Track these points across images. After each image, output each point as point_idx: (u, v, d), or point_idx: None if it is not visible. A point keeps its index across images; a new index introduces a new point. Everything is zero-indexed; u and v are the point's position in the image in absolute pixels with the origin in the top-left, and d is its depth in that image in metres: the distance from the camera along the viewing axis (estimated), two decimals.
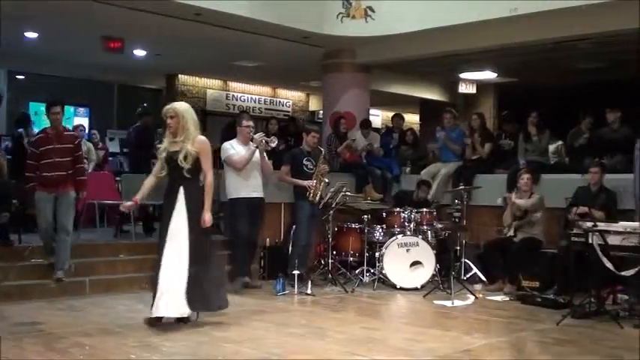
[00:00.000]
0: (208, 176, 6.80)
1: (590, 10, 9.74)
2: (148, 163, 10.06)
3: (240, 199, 9.08)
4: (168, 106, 6.90)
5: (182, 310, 6.64)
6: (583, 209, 8.57)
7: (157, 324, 6.70)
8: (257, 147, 8.94)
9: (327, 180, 9.43)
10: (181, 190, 6.75)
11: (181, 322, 6.75)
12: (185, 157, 6.68)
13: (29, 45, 12.87)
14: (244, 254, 9.23)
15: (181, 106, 6.95)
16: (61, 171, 8.18)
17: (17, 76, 14.67)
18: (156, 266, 6.74)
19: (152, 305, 6.69)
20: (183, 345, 6.09)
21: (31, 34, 12.27)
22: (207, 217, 6.72)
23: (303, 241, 9.38)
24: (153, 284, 6.76)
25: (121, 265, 9.29)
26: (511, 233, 9.40)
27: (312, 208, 9.37)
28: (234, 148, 9.06)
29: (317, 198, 9.32)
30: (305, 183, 9.31)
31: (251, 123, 9.27)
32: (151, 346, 5.97)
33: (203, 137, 6.88)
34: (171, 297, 6.58)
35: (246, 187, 9.08)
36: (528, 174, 9.54)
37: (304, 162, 9.47)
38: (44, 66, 13.73)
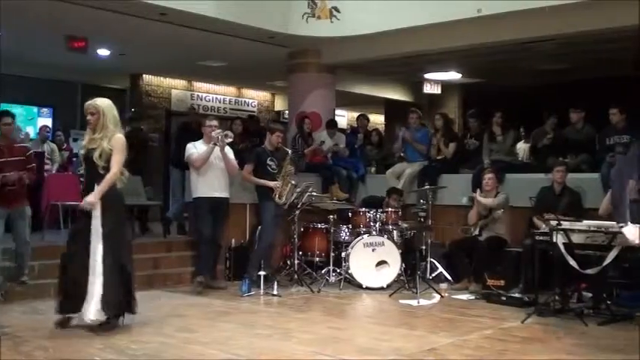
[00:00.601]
0: (112, 170, 6.62)
1: (555, 12, 9.83)
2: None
3: (201, 198, 9.09)
4: (89, 102, 6.76)
5: (101, 314, 6.53)
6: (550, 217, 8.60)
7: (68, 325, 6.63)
8: (214, 144, 8.93)
9: (294, 182, 9.40)
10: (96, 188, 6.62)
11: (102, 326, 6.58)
12: (100, 155, 6.57)
13: None
14: (206, 254, 9.21)
15: (103, 102, 6.76)
16: (14, 185, 7.98)
17: None
18: (77, 267, 6.58)
19: (62, 306, 6.62)
20: (149, 346, 6.05)
21: None
22: (89, 199, 6.55)
23: (268, 242, 9.35)
24: (77, 286, 6.55)
25: None
26: (476, 232, 9.47)
27: (277, 208, 9.35)
28: (195, 148, 9.09)
29: (283, 199, 9.29)
30: (271, 184, 9.28)
31: (214, 122, 9.26)
32: (116, 349, 5.93)
33: (120, 135, 6.74)
34: (96, 301, 6.47)
35: (207, 186, 9.08)
36: (491, 173, 9.62)
37: (268, 162, 9.43)
38: (6, 66, 13.53)
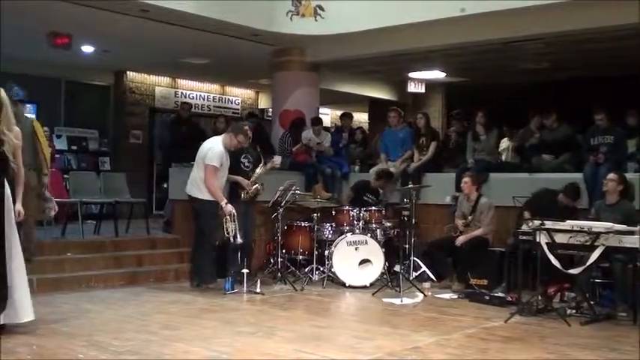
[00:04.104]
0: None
1: (539, 11, 9.88)
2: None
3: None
4: None
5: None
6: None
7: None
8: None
9: (262, 184, 9.45)
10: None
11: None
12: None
13: None
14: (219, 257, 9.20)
15: (2, 92, 6.29)
16: None
17: None
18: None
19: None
20: (132, 344, 6.03)
21: None
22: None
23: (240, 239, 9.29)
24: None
25: (68, 264, 9.19)
26: (461, 230, 9.50)
27: (246, 206, 9.37)
28: (220, 159, 8.94)
29: (248, 197, 9.35)
30: (245, 183, 9.32)
31: (249, 133, 9.21)
32: (98, 346, 5.91)
33: (17, 128, 6.47)
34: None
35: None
36: (467, 177, 9.66)
37: (242, 159, 9.44)
38: None
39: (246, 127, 9.33)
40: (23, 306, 6.22)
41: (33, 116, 9.29)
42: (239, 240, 8.74)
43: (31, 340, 6.05)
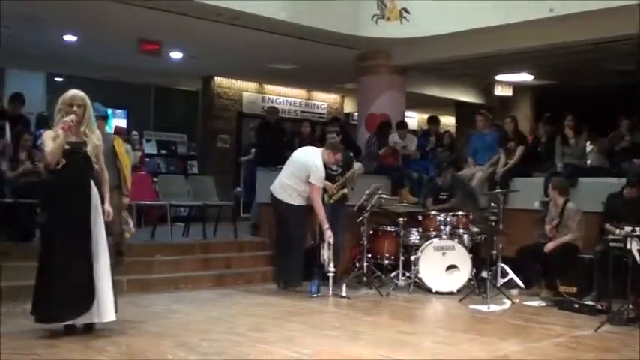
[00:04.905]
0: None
1: (630, 11, 9.61)
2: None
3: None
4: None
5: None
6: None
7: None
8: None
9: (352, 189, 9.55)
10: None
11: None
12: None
13: (68, 48, 13.03)
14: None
15: (84, 94, 6.45)
16: None
17: (56, 79, 14.82)
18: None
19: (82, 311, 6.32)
20: (219, 344, 6.12)
21: (69, 38, 12.40)
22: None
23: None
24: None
25: (157, 265, 9.39)
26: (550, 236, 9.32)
27: (335, 208, 9.41)
28: (322, 173, 9.08)
29: (331, 200, 9.38)
30: (329, 186, 9.38)
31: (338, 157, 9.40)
32: (187, 346, 6.02)
33: (99, 131, 6.67)
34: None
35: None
36: (551, 183, 9.49)
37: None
38: (82, 69, 13.86)
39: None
40: (106, 306, 6.35)
41: (113, 134, 9.47)
42: (331, 269, 8.82)
43: (121, 339, 6.19)
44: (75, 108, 6.31)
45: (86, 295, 6.21)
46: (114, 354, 5.74)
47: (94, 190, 6.39)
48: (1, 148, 9.28)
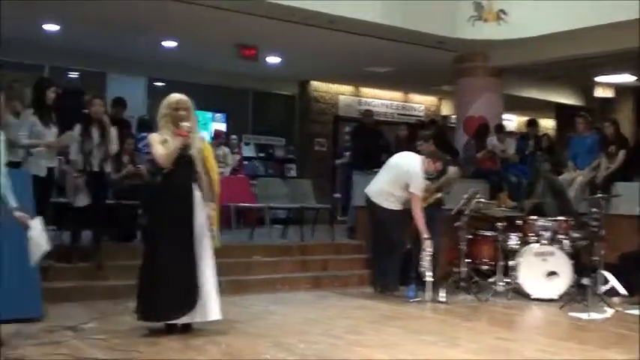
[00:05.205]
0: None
1: None
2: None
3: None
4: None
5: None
6: None
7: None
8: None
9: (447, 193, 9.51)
10: None
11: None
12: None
13: (168, 53, 13.37)
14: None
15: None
16: None
17: (156, 84, 15.20)
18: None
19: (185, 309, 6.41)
20: (318, 347, 6.15)
21: (169, 43, 12.73)
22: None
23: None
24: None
25: (255, 266, 9.52)
26: None
27: (431, 211, 9.30)
28: (422, 181, 9.03)
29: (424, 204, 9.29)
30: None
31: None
32: (285, 347, 6.07)
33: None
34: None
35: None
36: None
37: None
38: (182, 73, 14.19)
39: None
40: (211, 305, 6.44)
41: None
42: (429, 278, 8.74)
43: (220, 339, 6.28)
44: (181, 112, 6.46)
45: (190, 295, 6.34)
46: (213, 353, 5.84)
47: (197, 192, 6.52)
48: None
